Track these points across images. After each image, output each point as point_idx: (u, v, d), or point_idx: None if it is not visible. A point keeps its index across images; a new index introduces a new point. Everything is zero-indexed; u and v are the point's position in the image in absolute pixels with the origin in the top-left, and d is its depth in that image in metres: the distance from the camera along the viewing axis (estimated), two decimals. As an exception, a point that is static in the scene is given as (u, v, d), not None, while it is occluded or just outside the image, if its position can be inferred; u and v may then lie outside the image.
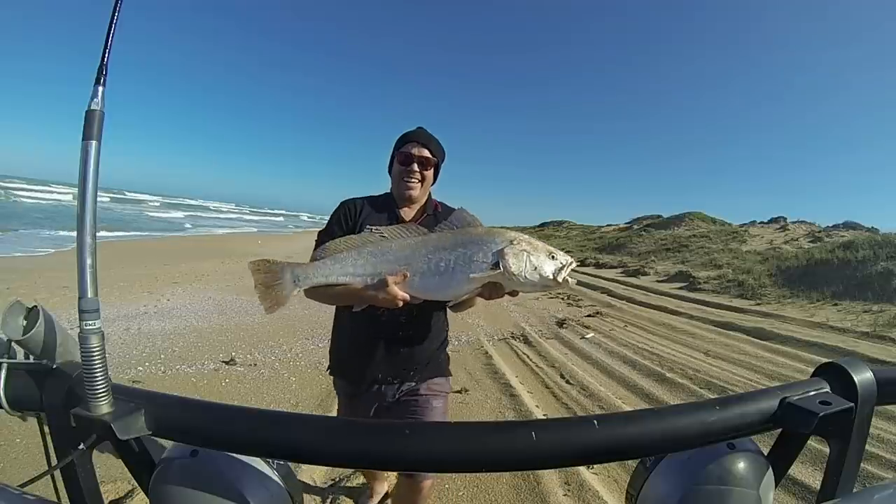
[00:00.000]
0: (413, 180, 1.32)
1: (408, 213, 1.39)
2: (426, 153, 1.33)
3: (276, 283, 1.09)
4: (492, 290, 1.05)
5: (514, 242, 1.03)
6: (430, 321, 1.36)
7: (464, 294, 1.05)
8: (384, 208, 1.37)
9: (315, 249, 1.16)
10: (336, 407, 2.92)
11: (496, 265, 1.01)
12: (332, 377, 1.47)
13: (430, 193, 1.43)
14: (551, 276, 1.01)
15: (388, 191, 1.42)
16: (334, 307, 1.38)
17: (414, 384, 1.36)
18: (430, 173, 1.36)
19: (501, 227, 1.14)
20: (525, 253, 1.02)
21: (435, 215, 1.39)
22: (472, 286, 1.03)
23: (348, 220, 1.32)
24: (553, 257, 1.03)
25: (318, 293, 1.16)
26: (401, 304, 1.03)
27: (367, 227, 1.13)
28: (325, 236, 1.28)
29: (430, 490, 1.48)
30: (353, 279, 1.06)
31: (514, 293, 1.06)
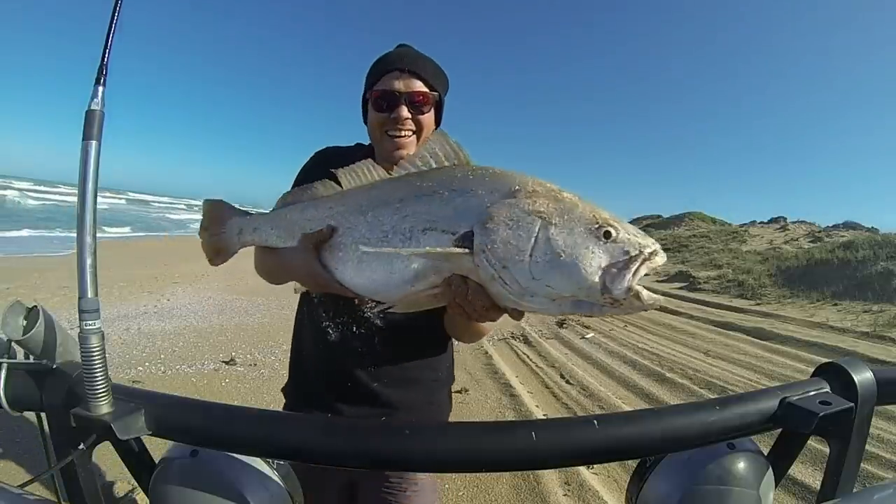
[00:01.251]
0: (403, 132, 0.83)
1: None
2: (418, 85, 0.83)
3: (220, 232, 0.84)
4: (463, 298, 0.53)
5: (518, 195, 0.52)
6: (412, 346, 0.87)
7: (408, 293, 0.56)
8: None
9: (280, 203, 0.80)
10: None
11: (466, 238, 0.51)
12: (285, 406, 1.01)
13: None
14: (596, 281, 0.48)
15: (368, 143, 0.95)
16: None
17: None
18: (427, 117, 0.85)
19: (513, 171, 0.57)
20: (538, 220, 0.50)
21: None
22: (418, 279, 0.55)
23: (312, 174, 0.84)
24: (607, 234, 0.50)
25: (265, 260, 0.86)
26: (320, 284, 0.66)
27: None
28: (291, 191, 0.83)
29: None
30: (284, 240, 0.73)
31: (515, 313, 0.54)
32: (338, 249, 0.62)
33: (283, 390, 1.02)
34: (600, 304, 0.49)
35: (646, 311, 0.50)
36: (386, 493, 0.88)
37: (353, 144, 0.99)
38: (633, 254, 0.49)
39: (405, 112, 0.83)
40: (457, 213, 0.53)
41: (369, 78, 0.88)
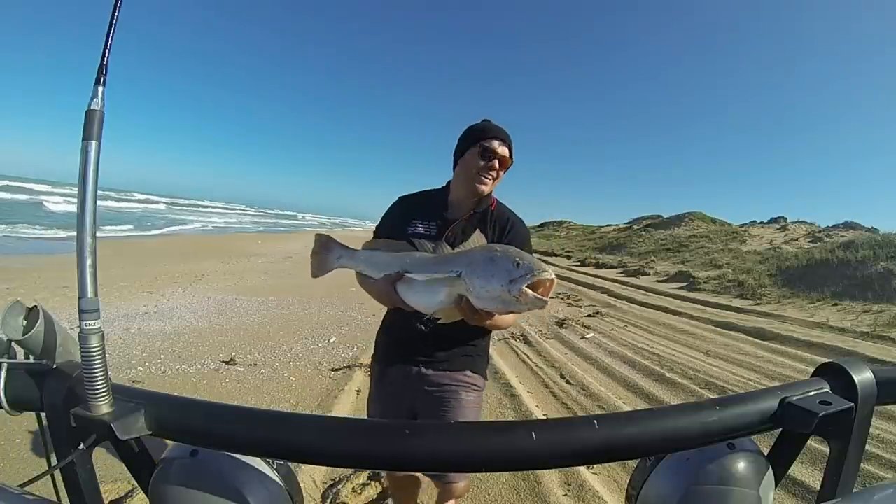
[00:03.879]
0: (489, 177, 1.26)
1: (457, 209, 1.31)
2: (507, 152, 1.26)
3: (326, 254, 1.24)
4: (470, 310, 0.89)
5: (489, 253, 0.86)
6: (448, 335, 1.24)
7: (437, 306, 0.96)
8: (433, 202, 1.33)
9: (373, 237, 1.28)
10: (336, 406, 2.92)
11: (458, 276, 0.87)
12: (371, 367, 1.47)
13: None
14: (501, 287, 0.79)
15: (446, 183, 1.35)
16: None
17: (443, 373, 1.31)
18: (502, 175, 1.30)
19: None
20: (479, 263, 0.85)
21: (480, 213, 1.30)
22: (441, 298, 0.93)
23: (399, 212, 1.34)
24: (517, 263, 0.79)
25: (363, 282, 1.23)
26: (392, 302, 1.09)
27: (412, 222, 1.29)
28: (378, 227, 1.36)
29: (466, 490, 1.47)
30: (369, 271, 1.15)
31: (488, 315, 0.90)
32: (405, 284, 1.03)
33: (373, 357, 1.46)
34: (509, 301, 0.80)
35: (539, 308, 0.80)
36: (442, 403, 1.30)
37: (426, 190, 1.39)
38: (527, 271, 0.79)
39: (496, 165, 1.25)
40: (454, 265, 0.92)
41: (475, 135, 1.26)
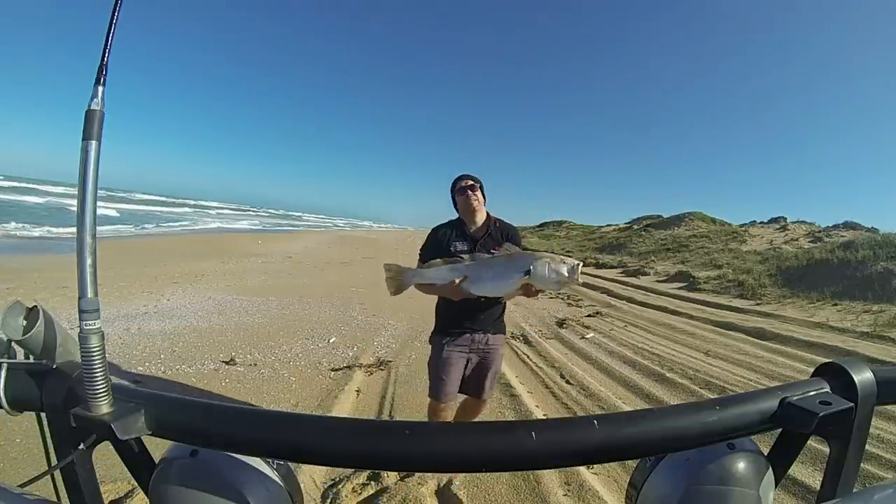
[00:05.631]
0: (474, 199, 1.97)
1: (474, 228, 2.01)
2: (471, 181, 2.00)
3: (400, 278, 1.80)
4: (527, 289, 1.65)
5: (539, 257, 1.58)
6: (493, 302, 1.96)
7: (511, 292, 1.65)
8: (458, 227, 2.02)
9: (420, 261, 1.95)
10: (337, 406, 2.92)
11: (528, 272, 1.57)
12: (430, 338, 2.09)
13: (487, 212, 2.04)
14: (566, 275, 1.54)
15: (458, 216, 2.07)
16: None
17: (489, 335, 2.02)
18: (479, 194, 2.00)
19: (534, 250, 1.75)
20: (546, 262, 1.56)
21: (494, 229, 2.01)
22: (515, 286, 1.61)
23: (436, 239, 2.01)
24: (564, 262, 1.56)
25: (422, 287, 1.86)
26: (459, 297, 1.75)
27: (453, 243, 1.96)
28: (425, 252, 2.00)
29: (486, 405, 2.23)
30: (440, 281, 1.74)
31: (541, 291, 1.65)
32: (470, 282, 1.67)
33: (435, 328, 2.08)
34: (567, 281, 1.57)
35: (579, 284, 1.66)
36: (485, 359, 2.05)
37: (449, 221, 2.07)
38: (574, 265, 1.57)
39: (471, 192, 1.97)
40: (523, 265, 1.61)
41: (452, 188, 2.04)
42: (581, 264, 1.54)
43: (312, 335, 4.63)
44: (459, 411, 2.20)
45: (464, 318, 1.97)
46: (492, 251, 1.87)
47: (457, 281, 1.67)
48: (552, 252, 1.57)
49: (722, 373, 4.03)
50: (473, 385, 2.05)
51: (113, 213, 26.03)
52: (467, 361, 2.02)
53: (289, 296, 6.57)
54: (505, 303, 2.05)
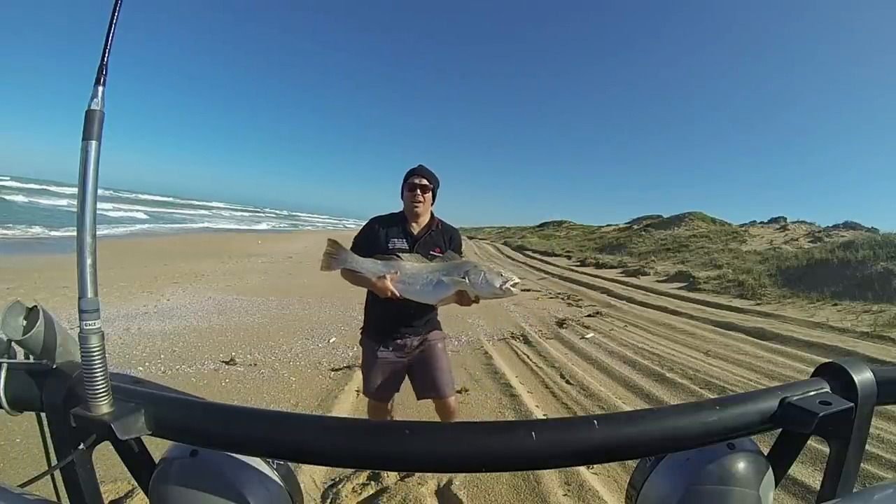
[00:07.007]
0: (418, 201, 1.85)
1: (416, 228, 1.91)
2: (425, 181, 1.86)
3: (337, 256, 1.73)
4: (461, 298, 1.56)
5: (476, 266, 1.55)
6: (426, 307, 1.84)
7: (443, 298, 1.59)
8: (399, 224, 1.90)
9: (351, 249, 1.78)
10: (336, 406, 2.92)
11: (463, 278, 1.54)
12: (361, 341, 2.01)
13: (432, 213, 1.95)
14: (498, 287, 1.50)
15: (401, 210, 1.94)
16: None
17: (423, 336, 1.95)
18: (429, 196, 1.88)
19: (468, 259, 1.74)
20: (482, 272, 1.53)
21: (435, 231, 1.92)
22: (449, 292, 1.56)
23: (373, 231, 1.89)
24: (500, 275, 1.52)
25: (348, 275, 1.77)
26: (389, 294, 1.59)
27: (391, 239, 1.84)
28: (358, 242, 1.88)
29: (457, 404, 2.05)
30: (372, 275, 1.66)
31: (477, 300, 1.56)
32: (402, 283, 1.61)
33: (362, 330, 2.02)
34: (500, 294, 1.50)
35: (515, 294, 1.54)
36: (429, 361, 1.95)
37: (390, 213, 1.95)
38: (508, 279, 1.51)
39: (419, 192, 1.85)
40: (458, 273, 1.56)
41: (405, 177, 1.89)
42: (518, 281, 1.51)
43: (312, 335, 4.63)
44: (437, 415, 2.11)
45: (396, 322, 1.87)
46: (431, 252, 1.80)
47: (388, 280, 1.58)
48: (488, 264, 1.57)
49: (722, 373, 4.03)
50: (429, 387, 1.96)
51: (141, 215, 26.16)
52: (409, 367, 1.96)
53: (289, 296, 6.57)
54: (435, 308, 1.94)
